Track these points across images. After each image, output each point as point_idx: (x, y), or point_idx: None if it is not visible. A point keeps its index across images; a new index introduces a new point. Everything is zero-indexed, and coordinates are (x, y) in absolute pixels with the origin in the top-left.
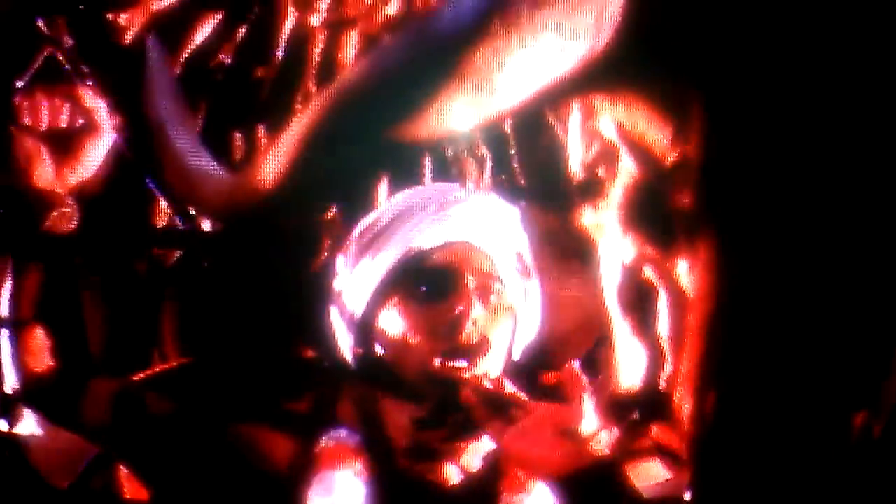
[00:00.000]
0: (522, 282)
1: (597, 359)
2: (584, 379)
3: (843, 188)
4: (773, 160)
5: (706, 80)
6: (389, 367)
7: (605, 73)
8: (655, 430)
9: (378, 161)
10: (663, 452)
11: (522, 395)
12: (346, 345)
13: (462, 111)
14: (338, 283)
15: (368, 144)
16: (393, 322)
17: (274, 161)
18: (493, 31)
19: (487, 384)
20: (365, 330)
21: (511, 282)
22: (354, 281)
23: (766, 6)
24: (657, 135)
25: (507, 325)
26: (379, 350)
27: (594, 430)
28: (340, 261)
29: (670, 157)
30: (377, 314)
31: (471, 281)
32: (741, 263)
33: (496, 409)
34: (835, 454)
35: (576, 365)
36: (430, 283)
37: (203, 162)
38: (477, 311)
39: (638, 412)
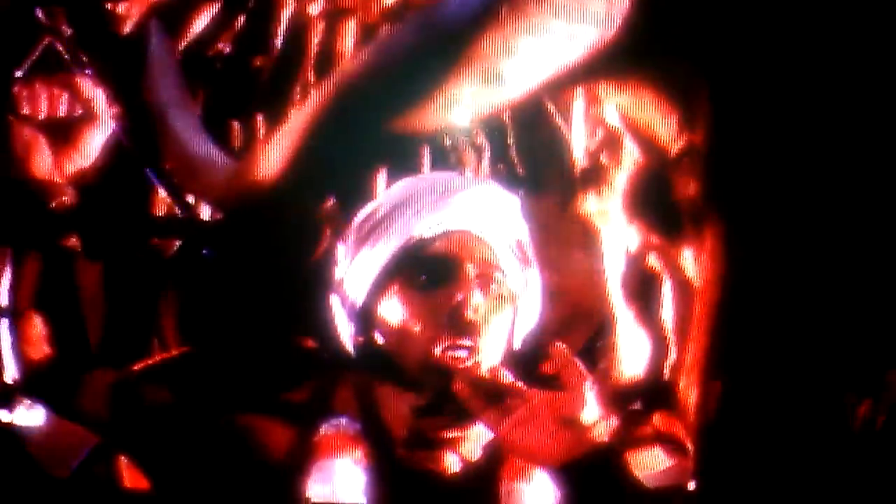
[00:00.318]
0: (522, 270)
1: (598, 347)
2: (584, 367)
3: (850, 177)
4: (779, 148)
5: (713, 67)
6: (389, 356)
7: (613, 61)
8: (658, 419)
9: (381, 150)
10: (666, 441)
11: (521, 384)
12: (346, 333)
13: (469, 99)
14: (338, 272)
15: (372, 133)
16: (393, 311)
17: (276, 148)
18: (501, 17)
19: (486, 373)
20: (365, 318)
21: (511, 270)
22: (355, 270)
23: None
24: (663, 122)
25: (507, 313)
26: (379, 339)
27: (595, 418)
28: (341, 249)
29: (676, 145)
30: (377, 303)
31: (471, 269)
32: (747, 252)
33: (493, 398)
34: (838, 444)
35: (562, 347)
36: (431, 272)
37: (205, 149)
38: (477, 299)
39: (641, 401)
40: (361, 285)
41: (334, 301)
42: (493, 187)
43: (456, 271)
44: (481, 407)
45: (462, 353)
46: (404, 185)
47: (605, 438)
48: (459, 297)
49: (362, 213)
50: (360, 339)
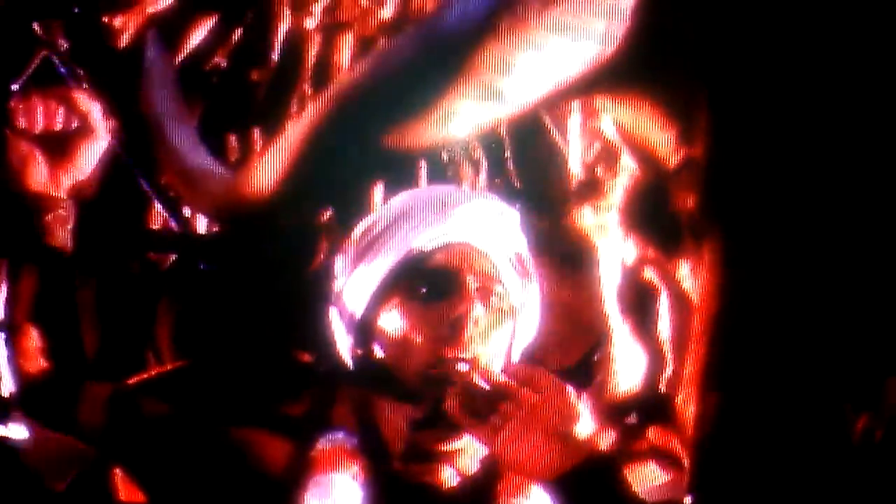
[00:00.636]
0: (522, 283)
1: (595, 360)
2: (581, 381)
3: (848, 191)
4: (778, 162)
5: (712, 81)
6: (388, 369)
7: (612, 75)
8: (653, 433)
9: (379, 162)
10: (662, 455)
11: (519, 397)
12: (345, 346)
13: (467, 113)
14: (336, 285)
15: (369, 146)
16: (393, 323)
17: (274, 161)
18: (501, 30)
19: (485, 385)
20: (364, 331)
21: (511, 283)
22: (354, 282)
23: (772, 10)
24: (661, 135)
25: (507, 326)
26: (378, 351)
27: (591, 432)
28: (339, 262)
29: (674, 159)
30: (377, 315)
31: (471, 282)
32: (744, 265)
33: (487, 411)
34: (837, 458)
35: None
36: (431, 285)
37: (202, 160)
38: (478, 312)
39: (637, 415)
40: (361, 297)
41: (333, 314)
42: (492, 200)
43: (457, 284)
44: (475, 423)
45: (462, 366)
46: (404, 197)
47: (602, 452)
48: (460, 309)
49: (361, 226)
50: (359, 351)
